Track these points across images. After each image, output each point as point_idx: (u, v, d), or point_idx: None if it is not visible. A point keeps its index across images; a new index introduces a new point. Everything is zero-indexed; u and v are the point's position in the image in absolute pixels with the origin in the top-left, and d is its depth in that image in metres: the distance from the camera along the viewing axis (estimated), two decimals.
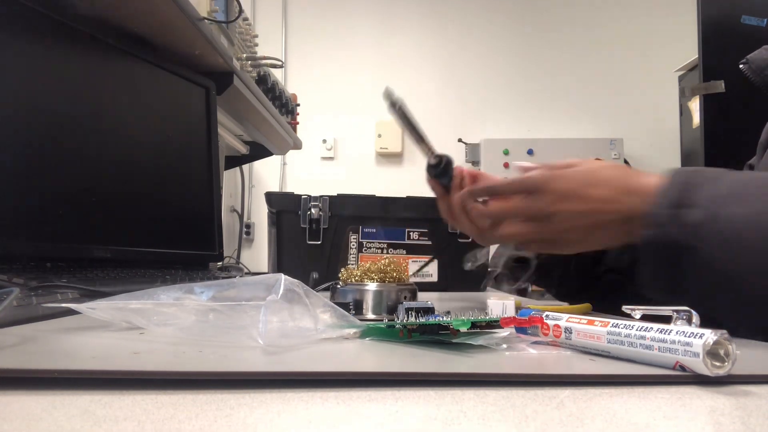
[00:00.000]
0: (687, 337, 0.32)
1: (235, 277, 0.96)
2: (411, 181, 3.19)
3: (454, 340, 0.40)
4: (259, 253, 3.09)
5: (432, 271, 1.17)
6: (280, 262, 1.17)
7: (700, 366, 0.31)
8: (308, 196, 1.18)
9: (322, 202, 1.18)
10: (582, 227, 0.60)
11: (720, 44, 2.14)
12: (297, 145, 1.87)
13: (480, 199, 0.67)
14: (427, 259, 1.17)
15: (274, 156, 1.98)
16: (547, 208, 0.60)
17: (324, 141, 3.29)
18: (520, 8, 3.33)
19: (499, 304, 0.59)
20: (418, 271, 1.15)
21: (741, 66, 0.77)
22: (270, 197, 1.20)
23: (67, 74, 0.81)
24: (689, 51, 2.44)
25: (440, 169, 0.70)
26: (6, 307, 0.41)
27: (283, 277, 0.41)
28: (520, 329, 0.44)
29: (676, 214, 0.51)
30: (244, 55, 1.32)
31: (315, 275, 1.02)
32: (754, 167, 0.79)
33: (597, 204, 0.58)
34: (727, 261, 0.49)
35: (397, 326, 0.42)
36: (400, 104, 0.67)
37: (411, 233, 1.20)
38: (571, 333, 0.40)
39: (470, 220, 0.68)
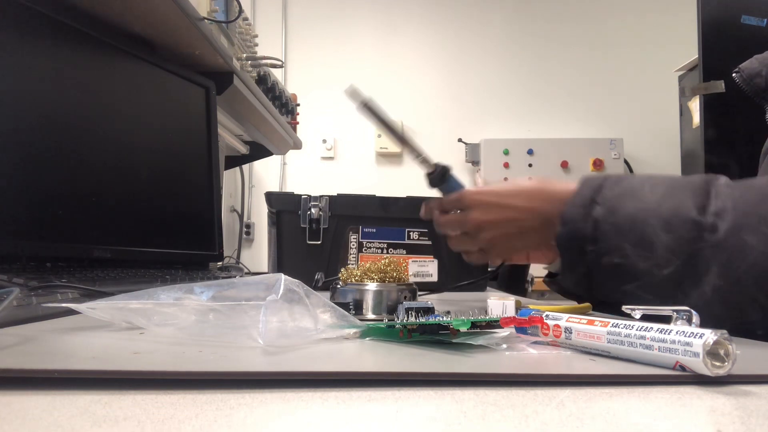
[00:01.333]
0: (687, 337, 0.32)
1: (235, 277, 0.96)
2: (411, 181, 3.19)
3: (454, 340, 0.40)
4: (259, 253, 3.09)
5: (432, 271, 1.17)
6: (280, 262, 1.17)
7: (700, 366, 0.31)
8: (308, 196, 1.18)
9: (322, 202, 1.18)
10: (504, 235, 0.69)
11: (720, 44, 2.14)
12: (297, 145, 1.87)
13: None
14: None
15: (274, 156, 1.98)
16: (473, 221, 0.69)
17: (324, 141, 3.29)
18: (519, 8, 3.34)
19: (499, 304, 0.59)
20: (476, 281, 1.14)
21: (734, 75, 0.84)
22: (270, 197, 1.20)
23: (67, 74, 0.81)
24: (689, 51, 2.44)
25: (435, 176, 0.72)
26: (6, 307, 0.41)
27: (283, 277, 0.41)
28: (520, 329, 0.44)
29: (584, 212, 0.59)
30: (244, 55, 1.32)
31: (319, 275, 1.02)
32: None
33: (514, 212, 0.67)
34: (622, 247, 0.57)
35: (397, 326, 0.42)
36: (368, 101, 0.70)
37: (411, 233, 1.20)
38: (571, 333, 0.40)
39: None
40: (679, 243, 0.54)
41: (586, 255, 0.59)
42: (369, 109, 0.70)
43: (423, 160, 0.72)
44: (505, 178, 3.01)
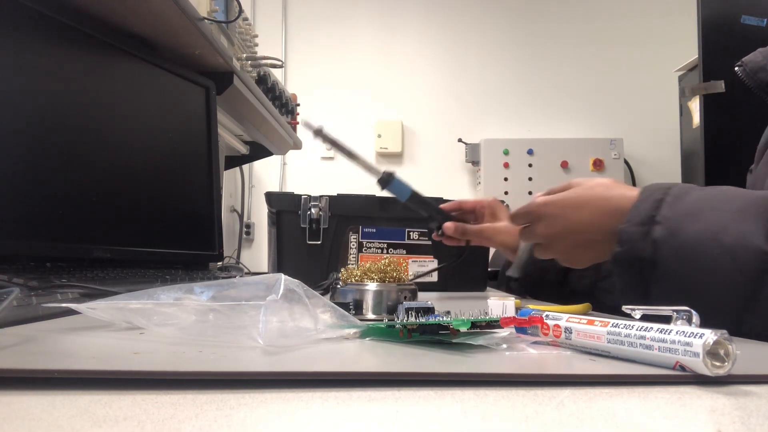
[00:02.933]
0: (687, 337, 0.32)
1: (235, 277, 0.96)
2: (411, 181, 3.19)
3: (454, 340, 0.40)
4: (259, 253, 3.09)
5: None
6: (280, 262, 1.17)
7: (700, 366, 0.31)
8: (308, 196, 1.18)
9: (322, 202, 1.18)
10: (571, 246, 0.68)
11: (720, 44, 2.14)
12: (297, 145, 1.87)
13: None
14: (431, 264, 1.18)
15: (274, 156, 1.98)
16: (539, 234, 0.69)
17: None
18: (519, 8, 3.34)
19: (499, 304, 0.59)
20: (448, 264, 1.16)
21: (736, 68, 0.80)
22: (270, 197, 1.20)
23: (67, 74, 0.81)
24: (689, 51, 2.44)
25: (381, 180, 0.85)
26: (6, 307, 0.41)
27: (283, 277, 0.41)
28: (520, 329, 0.44)
29: (642, 232, 0.56)
30: (244, 55, 1.32)
31: (334, 275, 1.03)
32: (753, 171, 0.80)
33: (578, 226, 0.66)
34: (682, 273, 0.54)
35: (397, 326, 0.42)
36: (321, 128, 0.80)
37: (411, 233, 1.20)
38: (571, 333, 0.40)
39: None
40: (743, 273, 0.51)
41: (645, 277, 0.56)
42: (322, 134, 0.81)
43: (370, 168, 0.84)
44: (505, 179, 3.01)
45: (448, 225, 0.94)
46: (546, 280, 0.94)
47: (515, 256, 1.00)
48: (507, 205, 1.02)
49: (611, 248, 0.62)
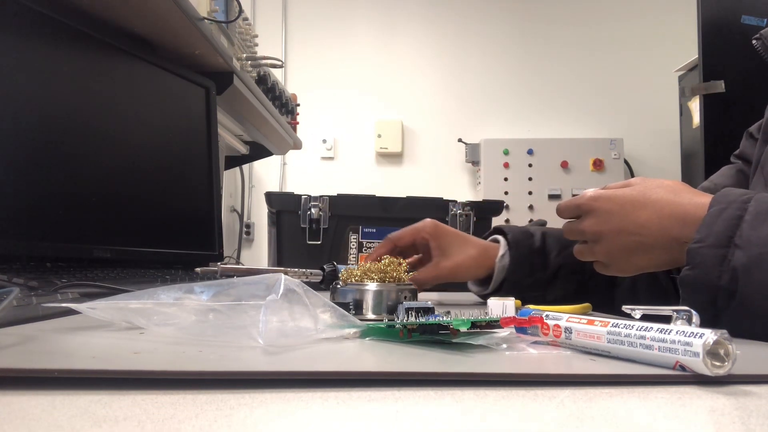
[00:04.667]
0: (687, 336, 0.32)
1: (234, 277, 0.96)
2: (411, 181, 3.19)
3: (454, 340, 0.40)
4: (259, 253, 3.09)
5: None
6: (280, 262, 1.17)
7: (700, 366, 0.31)
8: (308, 196, 1.18)
9: (322, 202, 1.18)
10: (623, 249, 0.60)
11: (720, 44, 2.14)
12: (297, 145, 1.87)
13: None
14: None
15: (274, 156, 1.98)
16: (592, 228, 0.61)
17: (324, 141, 3.29)
18: (519, 8, 3.34)
19: (499, 304, 0.59)
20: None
21: (754, 41, 0.75)
22: (270, 197, 1.20)
23: (67, 74, 0.81)
24: (689, 51, 2.44)
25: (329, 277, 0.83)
26: (6, 307, 0.41)
27: (283, 276, 0.41)
28: (520, 329, 0.44)
29: (719, 255, 0.50)
30: (244, 55, 1.32)
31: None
32: (753, 134, 0.78)
33: (636, 227, 0.58)
34: (763, 306, 0.49)
35: (397, 326, 0.42)
36: None
37: None
38: (571, 333, 0.40)
39: None
40: None
41: (718, 305, 0.51)
42: None
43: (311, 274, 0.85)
44: (506, 179, 3.01)
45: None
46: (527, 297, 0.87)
47: (487, 287, 0.86)
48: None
49: (668, 257, 0.58)
